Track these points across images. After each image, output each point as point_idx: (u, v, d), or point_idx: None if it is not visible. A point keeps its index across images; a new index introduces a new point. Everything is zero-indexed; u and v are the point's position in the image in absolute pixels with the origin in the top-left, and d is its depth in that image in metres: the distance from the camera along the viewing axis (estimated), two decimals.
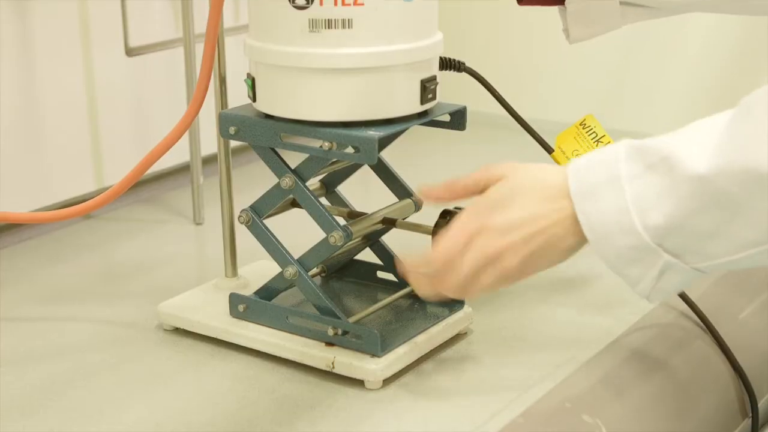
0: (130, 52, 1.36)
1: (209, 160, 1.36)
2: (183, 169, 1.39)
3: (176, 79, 1.36)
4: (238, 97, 1.01)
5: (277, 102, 0.91)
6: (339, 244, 0.93)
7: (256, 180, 1.07)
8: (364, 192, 1.12)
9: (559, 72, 1.71)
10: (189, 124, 0.98)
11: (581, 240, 0.79)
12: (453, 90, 1.05)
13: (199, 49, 1.27)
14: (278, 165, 0.94)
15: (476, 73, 0.97)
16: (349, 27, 0.87)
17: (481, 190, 0.82)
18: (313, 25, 0.87)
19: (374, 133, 0.87)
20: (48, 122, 1.28)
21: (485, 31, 1.78)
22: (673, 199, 0.75)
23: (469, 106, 0.97)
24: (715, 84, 1.62)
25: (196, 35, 1.29)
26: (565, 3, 0.97)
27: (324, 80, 0.88)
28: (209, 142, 1.28)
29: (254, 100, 0.93)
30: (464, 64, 0.97)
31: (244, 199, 1.01)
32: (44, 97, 1.28)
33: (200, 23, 1.28)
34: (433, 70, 0.92)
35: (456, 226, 0.82)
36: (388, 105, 0.89)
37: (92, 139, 1.34)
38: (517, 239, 0.80)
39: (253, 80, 0.92)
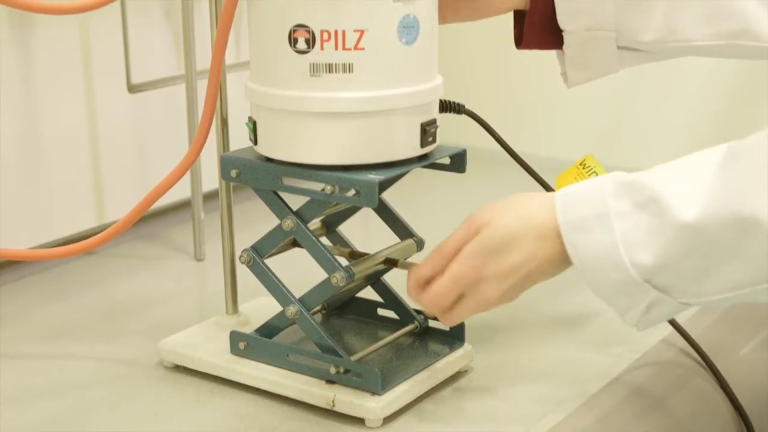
0: (132, 88, 1.37)
1: (210, 196, 1.36)
2: (184, 205, 1.40)
3: (178, 116, 1.37)
4: (239, 137, 1.01)
5: (278, 145, 0.92)
6: (341, 284, 0.94)
7: (257, 216, 1.08)
8: (364, 230, 1.13)
9: (558, 109, 1.72)
10: (191, 164, 0.99)
11: (569, 266, 0.82)
12: (453, 126, 1.06)
13: (201, 85, 1.28)
14: (280, 207, 0.95)
15: (476, 115, 0.98)
16: (349, 71, 0.87)
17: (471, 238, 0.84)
18: (314, 69, 0.88)
19: (375, 177, 0.88)
20: (49, 158, 1.29)
21: (485, 70, 1.79)
22: (661, 241, 0.76)
23: (469, 142, 0.97)
24: (713, 122, 1.63)
25: (198, 72, 1.30)
26: (563, 47, 0.98)
27: (324, 124, 0.89)
28: (210, 177, 1.28)
29: (256, 143, 0.94)
30: (464, 106, 0.98)
31: (245, 236, 1.02)
32: (46, 132, 1.28)
33: (202, 60, 1.29)
34: (433, 113, 0.93)
35: (451, 276, 0.84)
36: (388, 148, 0.90)
37: (94, 175, 1.34)
38: (514, 283, 0.83)
39: (254, 123, 0.93)
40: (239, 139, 1.01)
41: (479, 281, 0.83)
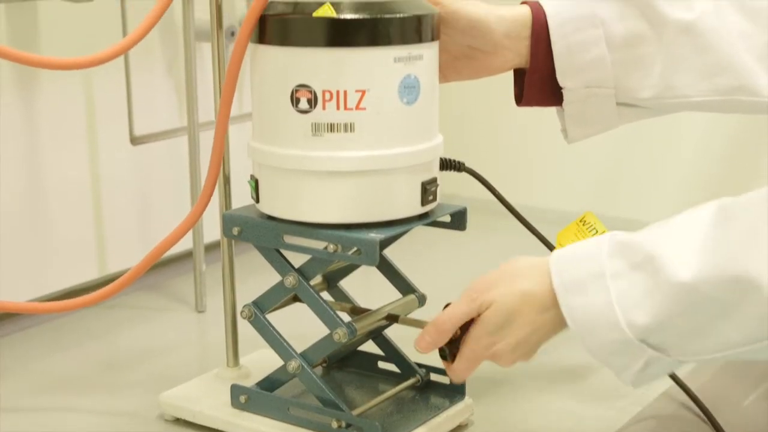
0: (134, 140, 1.38)
1: (212, 247, 1.37)
2: (186, 256, 1.40)
3: (180, 167, 1.38)
4: (240, 191, 1.02)
5: (279, 203, 0.92)
6: (343, 341, 0.94)
7: (259, 267, 1.08)
8: (365, 285, 1.13)
9: (558, 161, 1.74)
10: (194, 222, 1.00)
11: (566, 327, 0.84)
12: (453, 177, 1.06)
13: (203, 137, 1.29)
14: (282, 264, 0.95)
15: (477, 173, 0.99)
16: (351, 131, 0.88)
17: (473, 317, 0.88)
18: (316, 128, 0.89)
19: (376, 236, 0.88)
20: (51, 209, 1.30)
21: (484, 124, 1.81)
22: (657, 301, 0.76)
23: (469, 193, 0.98)
24: (711, 175, 1.64)
25: (201, 124, 1.31)
26: (563, 104, 0.99)
27: (326, 183, 0.89)
28: (212, 228, 1.29)
29: (257, 201, 0.94)
30: (464, 164, 0.99)
31: (247, 287, 1.02)
32: (48, 183, 1.29)
33: (204, 112, 1.30)
34: (434, 172, 0.94)
35: (466, 360, 0.88)
36: (389, 207, 0.91)
37: (95, 227, 1.35)
38: (525, 351, 0.86)
39: (256, 182, 0.94)
40: (240, 193, 1.02)
41: (492, 356, 0.87)
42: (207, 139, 1.23)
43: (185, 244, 1.33)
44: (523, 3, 0.99)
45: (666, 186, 1.66)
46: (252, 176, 0.94)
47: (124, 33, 1.34)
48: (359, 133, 0.88)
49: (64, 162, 1.30)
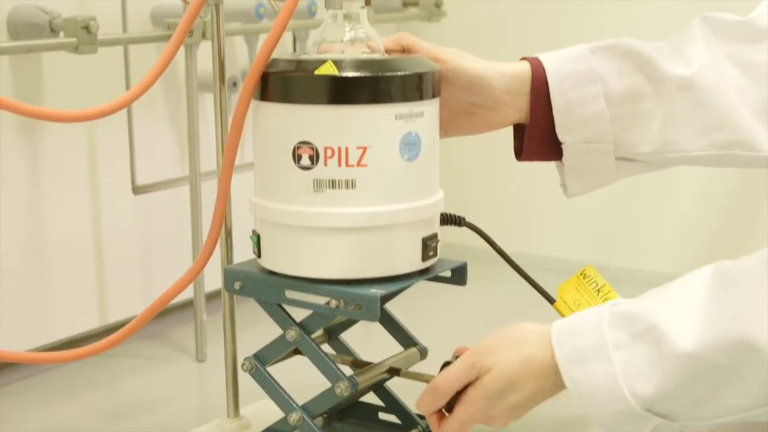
0: (136, 190, 1.39)
1: (213, 296, 1.37)
2: (187, 305, 1.40)
3: (182, 217, 1.38)
4: (243, 240, 1.03)
5: (281, 259, 0.93)
6: (345, 394, 0.94)
7: (259, 318, 1.08)
8: (367, 337, 1.13)
9: (557, 212, 1.74)
10: (196, 275, 1.00)
11: (563, 389, 0.84)
12: (454, 228, 1.07)
13: (205, 187, 1.30)
14: (283, 319, 0.95)
15: (477, 228, 0.99)
16: (352, 187, 0.89)
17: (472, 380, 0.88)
18: (318, 185, 0.89)
19: (376, 292, 0.89)
20: (53, 258, 1.30)
21: (485, 174, 1.81)
22: (661, 371, 0.77)
23: (470, 242, 0.98)
24: (711, 223, 1.64)
25: (203, 173, 1.32)
26: (563, 159, 0.99)
27: (327, 239, 0.90)
28: (213, 277, 1.29)
29: (259, 256, 0.95)
30: (464, 219, 0.99)
31: (247, 336, 1.02)
32: (50, 232, 1.29)
33: (206, 162, 1.31)
34: (434, 227, 0.94)
35: (460, 421, 0.88)
36: (390, 263, 0.91)
37: (97, 276, 1.35)
38: (520, 414, 0.86)
39: (258, 237, 0.94)
40: (241, 239, 1.02)
41: (487, 419, 0.87)
42: (209, 189, 1.23)
43: (186, 293, 1.33)
44: (522, 59, 1.00)
45: (665, 236, 1.66)
46: (254, 231, 0.95)
47: (128, 83, 1.36)
48: (360, 189, 0.89)
49: (66, 211, 1.31)
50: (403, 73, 0.89)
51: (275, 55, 0.91)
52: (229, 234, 1.02)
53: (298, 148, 0.89)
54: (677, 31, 1.01)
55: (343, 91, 0.88)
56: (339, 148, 0.88)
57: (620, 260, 1.50)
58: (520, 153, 1.01)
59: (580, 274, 1.00)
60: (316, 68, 0.88)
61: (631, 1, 1.72)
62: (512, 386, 0.84)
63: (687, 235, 1.64)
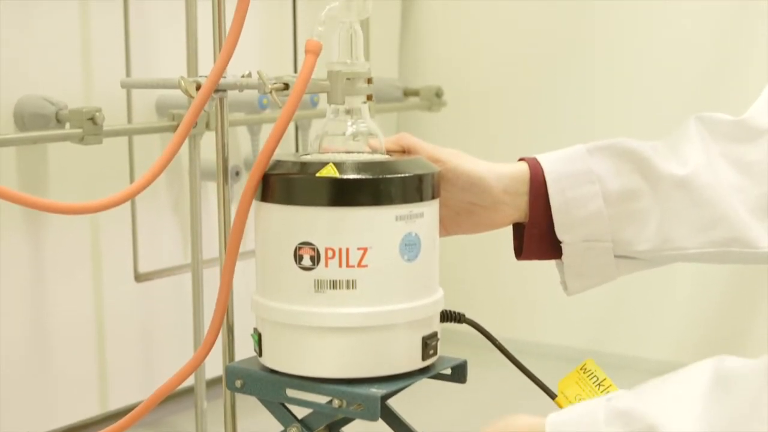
0: (139, 277, 1.40)
1: (213, 383, 1.37)
2: (187, 392, 1.40)
3: (183, 304, 1.39)
4: (242, 340, 1.03)
5: (282, 358, 0.93)
6: None
7: (261, 406, 1.08)
8: (367, 430, 1.12)
9: (557, 301, 1.75)
10: (197, 366, 1.00)
11: None
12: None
13: (207, 275, 1.30)
14: (285, 416, 0.95)
15: (477, 324, 1.00)
16: (353, 287, 0.90)
17: None
18: (319, 285, 0.90)
19: (377, 392, 0.89)
20: (55, 346, 1.31)
21: (485, 262, 1.82)
22: None
23: (471, 330, 0.98)
24: (709, 312, 1.65)
25: (204, 261, 1.33)
26: (562, 257, 1.00)
27: (327, 338, 0.90)
28: (214, 365, 1.29)
29: (260, 354, 0.95)
30: (464, 315, 1.00)
31: (249, 425, 1.01)
32: (53, 319, 1.30)
33: (208, 249, 1.32)
34: (434, 326, 0.95)
35: None
36: (390, 362, 0.92)
37: (98, 363, 1.36)
38: None
39: (259, 335, 0.95)
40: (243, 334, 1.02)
41: None
42: (211, 276, 1.24)
43: (187, 380, 1.34)
44: (520, 159, 1.01)
45: (665, 323, 1.67)
46: (255, 329, 0.95)
47: (131, 172, 1.37)
48: (361, 289, 0.90)
49: (68, 298, 1.32)
50: (403, 175, 0.91)
51: (278, 150, 0.92)
52: (230, 330, 1.03)
53: (300, 248, 0.90)
54: (673, 131, 1.03)
55: (344, 193, 0.89)
56: (340, 249, 0.89)
57: (621, 347, 1.50)
58: (520, 252, 1.02)
59: (581, 369, 1.00)
60: (317, 171, 0.90)
61: (627, 99, 1.77)
62: None
63: (687, 323, 1.64)
